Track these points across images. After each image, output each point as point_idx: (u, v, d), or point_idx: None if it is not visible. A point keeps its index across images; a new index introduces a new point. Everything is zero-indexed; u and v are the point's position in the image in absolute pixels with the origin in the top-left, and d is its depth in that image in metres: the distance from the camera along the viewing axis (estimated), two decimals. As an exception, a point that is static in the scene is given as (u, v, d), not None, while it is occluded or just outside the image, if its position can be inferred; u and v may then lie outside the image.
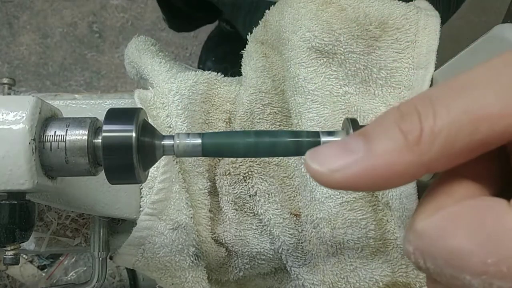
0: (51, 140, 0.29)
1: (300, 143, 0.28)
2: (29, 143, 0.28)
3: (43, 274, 0.80)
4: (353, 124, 0.28)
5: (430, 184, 0.22)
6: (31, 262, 0.81)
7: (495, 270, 0.17)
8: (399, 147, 0.18)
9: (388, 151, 0.19)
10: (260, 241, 0.44)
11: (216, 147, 0.28)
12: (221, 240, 0.44)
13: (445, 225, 0.18)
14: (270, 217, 0.43)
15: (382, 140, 0.19)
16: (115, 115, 0.28)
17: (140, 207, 0.41)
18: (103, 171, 0.28)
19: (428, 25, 0.41)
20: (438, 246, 0.18)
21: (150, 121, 0.35)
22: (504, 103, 0.17)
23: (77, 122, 0.30)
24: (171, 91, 0.43)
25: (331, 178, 0.20)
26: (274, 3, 0.46)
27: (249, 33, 0.48)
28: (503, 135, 0.18)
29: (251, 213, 0.44)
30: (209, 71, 0.46)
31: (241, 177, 0.44)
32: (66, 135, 0.29)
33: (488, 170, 0.20)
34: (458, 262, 0.17)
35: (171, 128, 0.42)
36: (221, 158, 0.45)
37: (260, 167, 0.44)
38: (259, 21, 0.48)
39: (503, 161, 0.20)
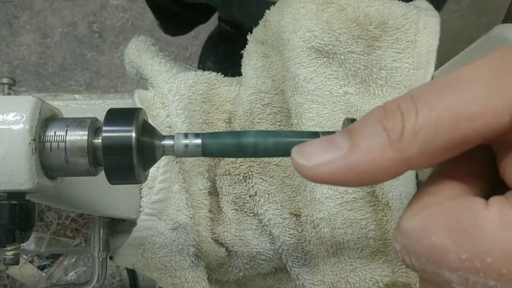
0: (51, 140, 0.29)
1: (301, 143, 0.28)
2: (29, 143, 0.28)
3: (43, 274, 0.80)
4: (353, 124, 0.28)
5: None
6: (31, 262, 0.81)
7: (469, 266, 0.18)
8: (382, 143, 0.19)
9: (371, 147, 0.19)
10: (260, 241, 0.44)
11: (216, 147, 0.28)
12: (221, 240, 0.44)
13: (427, 224, 0.19)
14: (270, 217, 0.43)
15: (365, 137, 0.20)
16: (115, 115, 0.28)
17: (140, 207, 0.41)
18: (103, 171, 0.28)
19: (428, 25, 0.41)
20: (420, 244, 0.19)
21: (150, 121, 0.35)
22: (484, 102, 0.18)
23: (77, 122, 0.30)
24: (171, 91, 0.43)
25: (315, 172, 0.21)
26: (274, 3, 0.46)
27: (248, 22, 0.48)
28: (482, 133, 0.18)
29: (251, 213, 0.44)
30: (209, 71, 0.46)
31: (241, 177, 0.44)
32: (66, 135, 0.29)
33: (476, 170, 0.21)
34: (437, 258, 0.18)
35: (171, 128, 0.42)
36: (221, 158, 0.45)
37: (260, 167, 0.44)
38: (254, 10, 0.47)
39: (491, 162, 0.21)
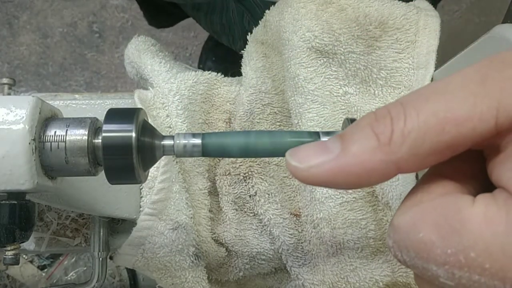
0: (51, 140, 0.29)
1: (300, 143, 0.28)
2: (29, 143, 0.28)
3: (43, 274, 0.80)
4: (353, 124, 0.28)
5: None
6: (31, 262, 0.81)
7: (454, 260, 0.18)
8: (372, 147, 0.20)
9: (361, 150, 0.20)
10: (260, 241, 0.44)
11: (216, 147, 0.28)
12: (221, 240, 0.44)
13: (416, 220, 0.20)
14: (270, 217, 0.43)
15: (356, 140, 0.21)
16: (115, 115, 0.28)
17: (140, 207, 0.41)
18: (103, 171, 0.28)
19: (428, 25, 0.41)
20: (409, 239, 0.20)
21: (150, 121, 0.35)
22: (470, 107, 0.18)
23: (77, 122, 0.30)
24: (171, 91, 0.43)
25: (308, 173, 0.21)
26: (274, 3, 0.46)
27: (211, 32, 0.48)
28: (469, 137, 0.19)
29: (251, 213, 0.44)
30: (209, 71, 0.46)
31: (241, 177, 0.44)
32: (66, 135, 0.29)
33: (469, 170, 0.22)
34: (425, 253, 0.19)
35: (171, 128, 0.42)
36: (221, 158, 0.45)
37: (260, 167, 0.44)
38: (218, 21, 0.47)
39: (483, 163, 0.21)
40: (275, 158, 0.44)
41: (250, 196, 0.44)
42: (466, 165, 0.22)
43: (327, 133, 0.29)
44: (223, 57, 1.29)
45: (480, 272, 0.18)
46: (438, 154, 0.19)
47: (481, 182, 0.22)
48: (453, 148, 0.19)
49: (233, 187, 0.44)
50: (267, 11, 0.47)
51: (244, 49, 0.48)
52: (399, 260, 0.21)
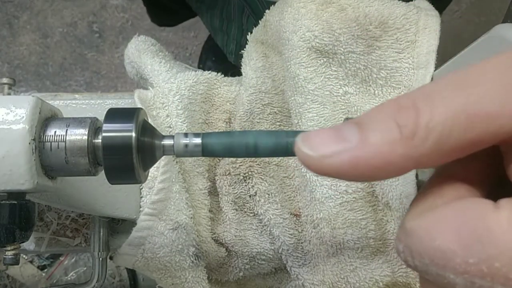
0: (51, 140, 0.29)
1: (300, 143, 0.28)
2: (29, 143, 0.28)
3: (43, 274, 0.80)
4: (353, 124, 0.28)
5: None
6: (31, 262, 0.81)
7: (476, 270, 0.17)
8: (393, 139, 0.18)
9: (382, 142, 0.19)
10: (260, 241, 0.44)
11: (216, 147, 0.28)
12: (221, 240, 0.44)
13: (432, 225, 0.18)
14: (270, 217, 0.43)
15: (377, 131, 0.19)
16: (115, 115, 0.28)
17: (140, 207, 0.41)
18: (103, 171, 0.28)
19: (428, 25, 0.41)
20: (424, 245, 0.18)
21: (150, 121, 0.35)
22: (501, 103, 0.17)
23: (77, 122, 0.30)
24: (171, 91, 0.43)
25: (321, 163, 0.20)
26: (274, 3, 0.46)
27: (210, 28, 0.48)
28: (496, 134, 0.18)
29: (251, 213, 0.44)
30: (209, 71, 0.46)
31: (241, 177, 0.44)
32: (66, 135, 0.29)
33: (480, 171, 0.21)
34: (442, 261, 0.18)
35: (171, 128, 0.42)
36: (221, 158, 0.45)
37: (260, 167, 0.44)
38: (218, 15, 0.47)
39: (496, 163, 0.20)
40: (275, 158, 0.44)
41: (250, 196, 0.44)
42: (476, 164, 0.21)
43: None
44: (223, 57, 1.28)
45: (504, 282, 0.17)
46: (461, 150, 0.18)
47: (491, 182, 0.20)
48: (477, 145, 0.18)
49: (233, 187, 0.44)
50: (267, 11, 0.47)
51: (234, 55, 0.48)
52: (410, 265, 0.19)
